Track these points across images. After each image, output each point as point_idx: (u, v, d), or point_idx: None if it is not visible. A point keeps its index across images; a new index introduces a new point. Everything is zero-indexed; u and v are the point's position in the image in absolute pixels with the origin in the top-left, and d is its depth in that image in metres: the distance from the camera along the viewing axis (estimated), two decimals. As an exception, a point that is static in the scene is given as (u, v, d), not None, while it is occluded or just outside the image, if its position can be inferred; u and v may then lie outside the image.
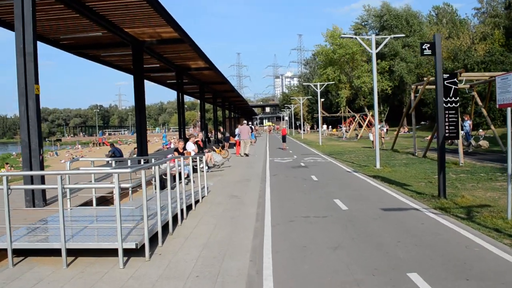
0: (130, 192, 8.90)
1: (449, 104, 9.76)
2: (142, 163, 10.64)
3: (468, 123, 23.43)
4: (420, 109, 57.40)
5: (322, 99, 75.39)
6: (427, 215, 8.13)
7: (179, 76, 22.40)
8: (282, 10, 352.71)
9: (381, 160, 19.55)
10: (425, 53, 9.55)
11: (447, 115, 9.74)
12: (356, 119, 49.42)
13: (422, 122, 66.80)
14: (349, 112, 65.10)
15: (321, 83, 36.45)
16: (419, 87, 23.42)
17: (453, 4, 79.20)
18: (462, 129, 26.77)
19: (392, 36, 17.79)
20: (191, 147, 15.35)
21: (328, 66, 66.71)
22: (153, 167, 6.78)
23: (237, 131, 25.34)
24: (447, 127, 9.73)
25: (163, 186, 8.15)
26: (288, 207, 9.18)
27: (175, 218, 7.45)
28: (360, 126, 50.30)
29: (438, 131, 9.70)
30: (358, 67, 66.66)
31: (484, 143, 19.78)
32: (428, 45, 9.52)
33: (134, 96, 15.37)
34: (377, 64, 68.29)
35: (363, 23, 75.85)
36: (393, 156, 21.51)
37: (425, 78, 21.55)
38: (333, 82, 56.86)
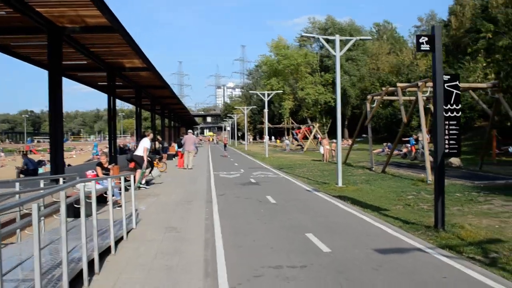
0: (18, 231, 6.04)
1: (449, 113, 7.77)
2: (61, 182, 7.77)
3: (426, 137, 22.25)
4: (363, 122, 57.33)
5: (265, 110, 73.99)
6: (440, 260, 5.96)
7: (111, 77, 19.22)
8: (226, 21, 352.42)
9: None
10: (422, 48, 7.53)
11: (447, 126, 7.72)
12: (302, 131, 47.91)
13: (364, 135, 67.08)
14: (292, 123, 63.87)
15: (269, 91, 34.44)
16: (375, 97, 21.95)
17: (393, 22, 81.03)
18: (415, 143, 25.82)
19: (359, 38, 16.01)
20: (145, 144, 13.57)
21: (272, 77, 65.42)
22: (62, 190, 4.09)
23: (183, 141, 22.57)
24: (447, 142, 7.71)
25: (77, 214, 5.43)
26: (248, 248, 6.64)
27: (80, 273, 4.75)
28: (305, 138, 48.91)
29: (435, 146, 7.67)
30: (302, 78, 65.91)
31: (454, 161, 18.41)
32: (426, 39, 7.51)
33: (48, 97, 12.08)
34: (321, 76, 68.14)
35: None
36: (349, 171, 19.68)
37: (383, 88, 20.08)
38: (282, 91, 55.30)
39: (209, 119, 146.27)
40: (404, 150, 33.18)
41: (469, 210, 9.91)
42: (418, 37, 7.51)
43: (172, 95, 32.28)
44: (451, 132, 7.80)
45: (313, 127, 44.42)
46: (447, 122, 7.75)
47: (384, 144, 36.71)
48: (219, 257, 6.08)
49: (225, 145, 47.09)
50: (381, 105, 54.21)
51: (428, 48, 7.52)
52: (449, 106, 7.80)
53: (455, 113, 7.82)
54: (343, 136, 69.27)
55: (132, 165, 14.54)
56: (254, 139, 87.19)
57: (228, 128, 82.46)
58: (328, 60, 67.99)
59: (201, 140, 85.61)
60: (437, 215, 7.71)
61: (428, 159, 15.52)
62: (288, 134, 66.92)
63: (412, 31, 72.53)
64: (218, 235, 7.39)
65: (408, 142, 33.97)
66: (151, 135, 15.17)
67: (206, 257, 6.13)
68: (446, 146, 7.73)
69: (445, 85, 7.71)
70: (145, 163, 14.02)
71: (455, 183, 14.63)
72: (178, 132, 55.42)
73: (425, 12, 70.02)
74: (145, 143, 14.31)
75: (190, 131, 23.67)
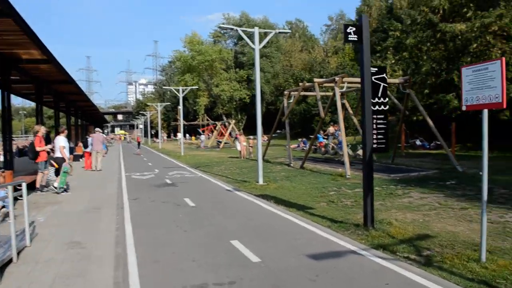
0: None
1: (377, 107, 7.47)
2: None
3: (339, 133, 22.64)
4: (280, 118, 58.04)
5: (179, 107, 72.24)
6: (377, 263, 5.56)
7: (5, 70, 16.93)
8: (137, 15, 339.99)
9: (257, 173, 17.25)
10: (349, 38, 7.11)
11: (375, 121, 7.42)
12: (217, 128, 47.16)
13: (278, 131, 68.12)
14: (207, 120, 62.94)
15: (184, 87, 33.20)
16: (292, 93, 21.84)
17: (304, 21, 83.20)
18: (327, 138, 26.28)
19: (278, 31, 15.59)
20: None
21: (186, 73, 63.85)
22: None
23: (89, 140, 20.67)
24: (375, 136, 7.41)
25: None
26: (166, 263, 5.73)
27: None
28: (221, 134, 48.26)
29: (364, 141, 7.33)
30: (217, 75, 65.16)
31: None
32: (354, 29, 7.11)
33: None
34: (236, 72, 67.90)
35: (222, 31, 74.85)
36: (268, 168, 19.34)
37: (300, 84, 19.98)
38: (196, 88, 54.04)
39: (120, 116, 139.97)
40: (318, 145, 33.96)
41: (392, 204, 9.85)
42: (346, 26, 7.09)
43: (78, 92, 29.71)
44: (379, 126, 7.53)
45: (229, 123, 43.88)
46: (374, 116, 7.45)
47: (299, 139, 37.20)
48: (132, 278, 5.12)
49: (138, 143, 46.72)
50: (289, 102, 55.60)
51: (355, 39, 7.13)
52: (376, 99, 7.50)
53: (382, 106, 7.54)
54: (270, 132, 69.92)
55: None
56: (169, 136, 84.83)
57: (141, 126, 79.31)
58: (242, 57, 67.97)
59: (112, 138, 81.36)
60: (366, 213, 7.40)
61: (347, 153, 15.60)
62: (204, 132, 65.93)
63: (323, 29, 75.05)
64: (131, 249, 6.38)
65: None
66: (66, 132, 13.61)
67: (117, 279, 5.14)
68: (374, 141, 7.43)
69: (373, 77, 7.40)
70: (67, 163, 12.70)
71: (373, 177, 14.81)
72: (86, 131, 51.87)
73: (335, 12, 72.65)
74: (60, 141, 12.83)
75: (98, 129, 21.84)
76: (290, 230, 7.50)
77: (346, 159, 15.21)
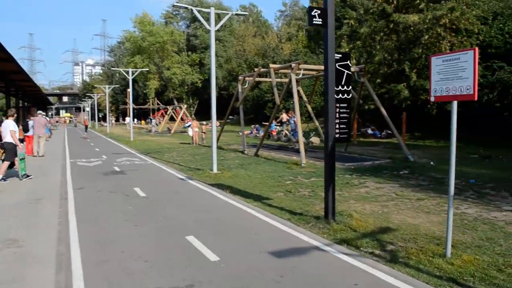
0: None
1: (340, 95, 7.18)
2: None
3: (293, 120, 22.50)
4: (234, 103, 57.37)
5: (129, 90, 69.84)
6: (343, 260, 5.29)
7: None
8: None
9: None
10: (314, 22, 6.74)
11: (338, 110, 7.13)
12: (168, 112, 45.92)
13: (231, 117, 67.54)
14: (158, 104, 61.25)
15: (134, 69, 31.85)
16: (247, 78, 21.38)
17: (258, 6, 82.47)
18: (281, 125, 26.11)
19: (234, 12, 14.96)
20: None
21: (136, 54, 61.68)
22: None
23: (30, 124, 19.29)
24: (337, 126, 7.13)
25: None
26: (116, 264, 5.16)
27: None
28: (173, 119, 47.10)
29: (326, 131, 7.03)
30: (168, 57, 63.43)
31: (315, 140, 18.69)
32: (319, 12, 6.74)
33: None
34: (188, 56, 66.39)
35: (174, 12, 72.83)
36: (221, 155, 18.86)
37: (255, 69, 19.54)
38: (147, 70, 52.27)
39: (65, 98, 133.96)
40: (273, 131, 33.82)
41: (349, 194, 9.71)
42: (311, 9, 6.70)
43: (19, 70, 27.75)
44: (341, 115, 7.25)
45: (181, 108, 42.83)
46: (338, 105, 7.16)
47: (253, 126, 36.89)
48: (77, 283, 4.55)
49: (86, 127, 45.18)
50: (244, 87, 55.08)
51: (320, 22, 6.77)
52: (340, 87, 7.21)
53: (346, 95, 7.26)
54: (210, 118, 68.81)
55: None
56: (117, 120, 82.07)
57: (88, 109, 76.09)
58: (195, 40, 66.53)
59: (57, 122, 77.49)
60: (327, 205, 7.14)
61: (302, 142, 15.41)
62: (155, 116, 64.20)
63: (277, 15, 74.65)
64: (76, 248, 5.75)
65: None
66: (15, 115, 12.65)
67: (59, 284, 4.55)
68: (337, 130, 7.15)
69: (336, 64, 7.08)
70: (20, 149, 12.05)
71: (328, 165, 14.74)
72: (28, 113, 48.91)
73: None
74: (10, 125, 11.81)
75: (40, 112, 20.40)
76: (249, 224, 7.12)
77: (302, 148, 15.02)
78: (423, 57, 24.82)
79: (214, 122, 13.92)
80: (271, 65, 17.76)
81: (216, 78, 64.93)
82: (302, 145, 15.17)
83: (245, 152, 19.44)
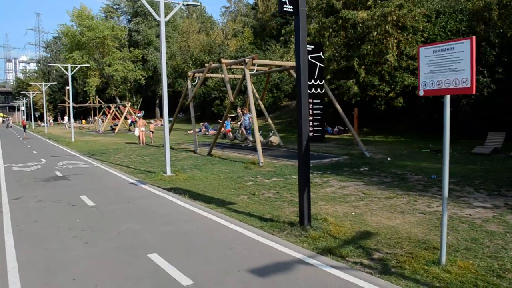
0: None
1: (313, 90, 6.59)
2: None
3: (248, 117, 21.85)
4: (177, 101, 55.83)
5: (68, 87, 66.21)
6: (334, 275, 4.69)
7: None
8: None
9: (163, 162, 15.81)
10: (285, 9, 6.11)
11: (311, 106, 6.55)
12: (112, 110, 43.75)
13: (178, 115, 65.91)
14: (99, 102, 58.40)
15: (73, 65, 29.84)
16: (197, 74, 20.47)
17: (202, 1, 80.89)
18: (240, 123, 25.40)
19: (186, 3, 14.01)
20: None
21: (74, 50, 58.43)
22: None
23: None
24: (311, 123, 6.55)
25: None
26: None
27: None
28: (115, 118, 44.97)
29: (299, 129, 6.43)
30: (109, 53, 60.64)
31: (275, 139, 18.12)
32: (290, -3, 6.10)
33: None
34: (130, 52, 63.86)
35: (114, 6, 69.86)
36: (173, 155, 17.85)
37: (206, 65, 18.67)
38: (87, 66, 49.57)
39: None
40: (222, 130, 33.00)
41: (316, 195, 9.19)
42: (282, -6, 6.05)
43: None
44: (315, 112, 6.67)
45: (125, 106, 40.94)
46: (311, 101, 6.58)
47: (201, 124, 35.92)
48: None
49: (24, 127, 42.77)
50: (193, 83, 53.77)
51: (291, 10, 6.14)
52: (312, 81, 6.62)
53: (319, 89, 6.69)
54: (155, 116, 66.85)
55: None
56: (55, 120, 77.73)
57: (23, 108, 71.38)
58: (137, 35, 64.14)
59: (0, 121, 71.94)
60: (302, 210, 6.55)
61: (259, 140, 14.80)
62: (95, 114, 61.20)
63: (222, 11, 73.54)
64: (14, 277, 4.73)
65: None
66: None
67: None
68: (311, 128, 6.57)
69: (308, 56, 6.48)
70: None
71: (286, 164, 14.26)
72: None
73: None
74: None
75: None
76: (218, 235, 6.37)
77: (259, 146, 14.42)
78: (371, 54, 25.02)
79: (166, 120, 12.96)
80: (223, 60, 16.99)
81: (160, 75, 63.33)
82: (259, 143, 14.56)
83: (197, 151, 18.57)
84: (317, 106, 6.65)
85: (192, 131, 31.13)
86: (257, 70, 18.96)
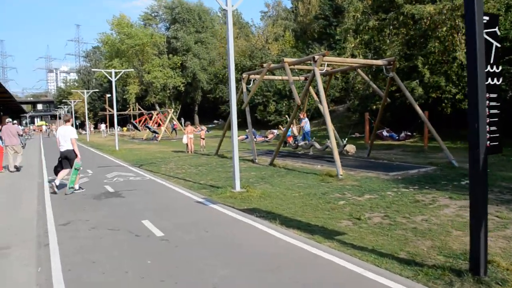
0: None
1: (489, 80, 4.55)
2: None
3: (305, 121, 19.86)
4: (218, 107, 54.50)
5: (108, 95, 66.10)
6: None
7: None
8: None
9: (222, 173, 14.02)
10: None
11: (488, 104, 4.50)
12: (154, 118, 42.63)
13: (215, 121, 64.57)
14: (139, 109, 57.72)
15: (117, 70, 28.72)
16: (252, 76, 18.66)
17: (238, 8, 79.55)
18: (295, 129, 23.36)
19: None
20: None
21: (114, 58, 58.21)
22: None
23: None
24: (488, 129, 4.49)
25: None
26: None
27: None
28: (158, 125, 43.84)
29: (474, 136, 4.35)
30: (148, 60, 60.13)
31: (350, 148, 15.91)
32: None
33: None
34: (169, 59, 63.11)
35: (153, 14, 69.57)
36: (229, 165, 16.09)
37: (264, 65, 16.82)
38: (131, 70, 48.95)
39: (40, 106, 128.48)
40: (270, 136, 31.06)
41: (439, 220, 7.08)
42: None
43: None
44: (491, 112, 4.59)
45: (168, 112, 39.68)
46: (487, 95, 4.51)
47: (247, 130, 34.07)
48: None
49: None
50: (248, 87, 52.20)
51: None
52: (489, 68, 4.56)
53: (495, 79, 4.61)
54: (193, 123, 65.66)
55: None
56: (96, 127, 78.11)
57: (63, 117, 71.88)
58: (176, 42, 63.37)
59: (34, 130, 72.74)
60: (478, 256, 4.45)
61: (336, 147, 12.74)
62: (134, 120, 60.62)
63: (261, 15, 72.10)
64: None
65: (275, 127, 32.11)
66: (72, 120, 11.76)
67: None
68: (487, 135, 4.49)
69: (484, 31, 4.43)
70: (78, 159, 11.06)
71: (367, 176, 12.14)
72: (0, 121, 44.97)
73: None
74: (72, 133, 11.04)
75: (9, 119, 17.19)
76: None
77: (336, 155, 12.34)
78: (436, 52, 22.54)
79: (235, 129, 11.02)
80: (286, 59, 15.09)
81: (199, 81, 62.18)
82: (337, 152, 12.48)
83: (256, 161, 16.67)
84: (494, 104, 4.57)
85: (238, 138, 29.50)
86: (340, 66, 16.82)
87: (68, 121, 11.54)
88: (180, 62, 62.17)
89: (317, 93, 22.85)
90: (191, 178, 13.09)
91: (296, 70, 16.81)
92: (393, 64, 15.47)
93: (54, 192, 10.69)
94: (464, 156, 15.39)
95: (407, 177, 11.79)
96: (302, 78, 18.57)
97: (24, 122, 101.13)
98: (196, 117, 66.18)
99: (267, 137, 31.12)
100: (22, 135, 17.94)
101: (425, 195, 9.25)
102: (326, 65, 14.50)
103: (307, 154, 18.96)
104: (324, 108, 13.05)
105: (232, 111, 10.70)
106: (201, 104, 68.49)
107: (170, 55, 63.43)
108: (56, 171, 11.21)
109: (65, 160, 10.96)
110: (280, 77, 19.94)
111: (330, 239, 6.19)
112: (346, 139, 17.05)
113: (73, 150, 10.90)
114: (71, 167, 10.95)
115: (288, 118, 24.67)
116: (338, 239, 6.22)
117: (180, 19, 64.29)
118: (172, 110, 41.80)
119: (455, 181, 10.91)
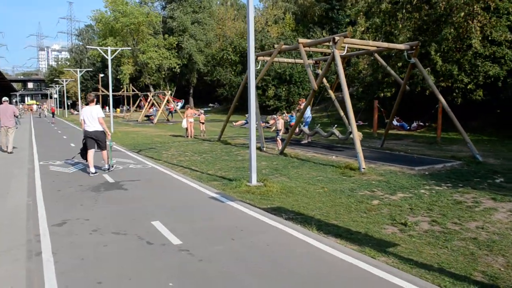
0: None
1: None
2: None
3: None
4: (214, 90, 53.05)
5: (101, 75, 64.30)
6: None
7: None
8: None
9: (230, 162, 12.95)
10: None
11: None
12: (149, 99, 41.18)
13: (211, 104, 63.16)
14: (133, 91, 56.07)
15: (113, 48, 27.25)
16: (260, 58, 17.44)
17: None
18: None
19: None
20: None
21: (108, 37, 56.28)
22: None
23: None
24: None
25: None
26: None
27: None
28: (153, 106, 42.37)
29: None
30: (143, 40, 58.27)
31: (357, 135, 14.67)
32: None
33: None
34: (165, 39, 61.20)
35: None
36: (236, 153, 15.02)
37: (275, 46, 15.61)
38: (129, 48, 47.31)
39: (30, 85, 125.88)
40: (271, 122, 29.84)
41: (498, 229, 6.10)
42: None
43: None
44: None
45: (164, 95, 38.30)
46: None
47: (246, 115, 32.86)
48: None
49: (53, 114, 44.92)
50: (233, 72, 50.71)
51: None
52: None
53: None
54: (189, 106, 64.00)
55: None
56: (87, 108, 76.27)
57: (55, 96, 70.08)
58: (172, 22, 61.42)
59: (26, 109, 70.97)
60: None
61: (358, 137, 11.66)
62: (128, 103, 59.10)
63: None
64: None
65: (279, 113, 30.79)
66: (95, 100, 11.44)
67: None
68: None
69: None
70: (109, 136, 11.36)
71: (391, 170, 11.14)
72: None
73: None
74: (99, 112, 10.97)
75: (5, 98, 15.86)
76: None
77: (358, 146, 11.27)
78: (450, 39, 21.43)
79: (253, 116, 9.89)
80: (301, 40, 13.90)
81: (196, 63, 60.41)
82: (359, 143, 11.40)
83: (264, 149, 15.60)
84: None
85: (237, 123, 28.24)
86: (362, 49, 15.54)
87: (93, 101, 11.16)
88: (176, 43, 60.35)
89: (328, 79, 21.78)
90: (198, 167, 11.98)
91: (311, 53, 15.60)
92: (415, 49, 14.36)
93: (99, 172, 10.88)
94: (482, 150, 14.48)
95: (434, 172, 10.82)
96: (312, 61, 17.41)
97: (14, 100, 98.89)
98: (191, 100, 64.73)
99: (268, 122, 29.92)
100: (17, 117, 16.71)
101: (463, 194, 8.28)
102: (346, 47, 13.31)
103: (316, 143, 17.92)
104: (345, 95, 11.92)
105: (250, 97, 9.57)
106: (196, 87, 66.96)
107: (166, 35, 61.54)
108: (83, 154, 11.18)
109: (91, 139, 10.88)
110: (292, 60, 18.73)
111: (383, 253, 5.15)
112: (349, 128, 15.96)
113: (102, 130, 10.93)
114: (97, 147, 11.04)
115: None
116: (392, 252, 5.20)
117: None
118: (169, 92, 40.35)
119: (488, 178, 9.99)
